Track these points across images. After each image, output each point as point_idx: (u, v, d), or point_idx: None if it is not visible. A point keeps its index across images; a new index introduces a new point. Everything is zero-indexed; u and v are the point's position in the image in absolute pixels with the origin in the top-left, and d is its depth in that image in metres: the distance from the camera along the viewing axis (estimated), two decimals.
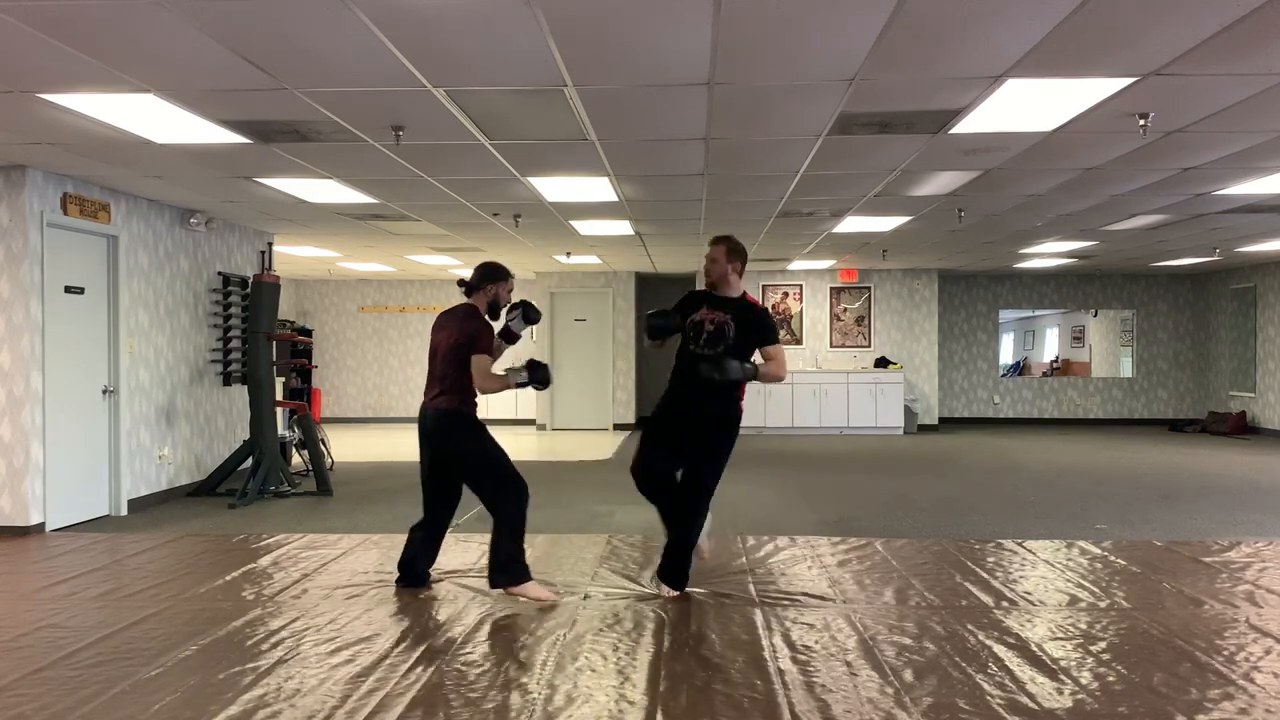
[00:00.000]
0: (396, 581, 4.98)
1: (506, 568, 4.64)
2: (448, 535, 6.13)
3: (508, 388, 4.64)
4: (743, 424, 4.72)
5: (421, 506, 4.93)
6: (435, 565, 5.37)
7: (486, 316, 4.75)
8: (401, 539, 6.04)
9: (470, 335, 4.58)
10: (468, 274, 5.19)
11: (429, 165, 6.32)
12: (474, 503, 4.82)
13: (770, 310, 4.77)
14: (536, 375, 4.67)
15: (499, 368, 4.73)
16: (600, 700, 3.34)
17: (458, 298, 4.91)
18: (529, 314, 4.87)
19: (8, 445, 6.31)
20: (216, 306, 8.65)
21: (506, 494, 4.64)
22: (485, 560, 5.45)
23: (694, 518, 4.72)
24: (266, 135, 5.42)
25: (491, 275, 4.76)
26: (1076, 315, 18.50)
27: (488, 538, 6.08)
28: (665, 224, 9.15)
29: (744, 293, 4.82)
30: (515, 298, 4.93)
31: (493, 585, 4.70)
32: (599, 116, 5.06)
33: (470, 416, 4.68)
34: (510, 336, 4.91)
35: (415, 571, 4.97)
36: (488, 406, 14.89)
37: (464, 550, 5.75)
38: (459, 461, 4.72)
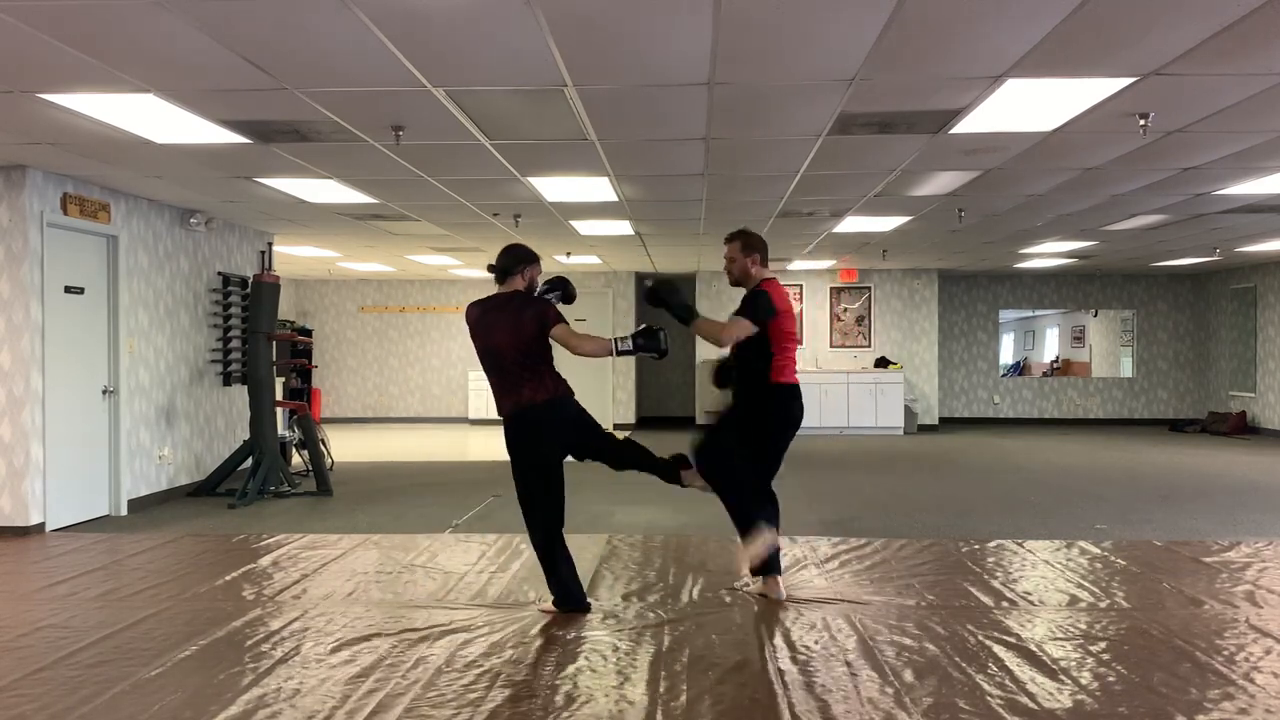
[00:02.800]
0: (565, 607, 4.42)
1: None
2: (447, 534, 6.16)
3: (610, 354, 4.24)
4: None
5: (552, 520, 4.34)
6: (437, 566, 5.38)
7: None
8: (400, 539, 6.06)
9: (539, 315, 4.19)
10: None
11: (429, 165, 6.32)
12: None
13: (768, 294, 4.33)
14: (651, 343, 4.22)
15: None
16: (600, 700, 3.34)
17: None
18: (569, 292, 4.47)
19: (8, 445, 6.31)
20: (216, 306, 8.65)
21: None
22: (484, 559, 5.46)
23: (696, 454, 4.44)
24: (266, 135, 5.42)
25: (526, 258, 4.37)
26: (1076, 315, 18.50)
27: (489, 537, 6.10)
28: (665, 224, 9.15)
29: (768, 280, 4.53)
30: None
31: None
32: (599, 116, 5.06)
33: (559, 398, 4.23)
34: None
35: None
36: (488, 407, 14.91)
37: (464, 550, 5.74)
38: (592, 431, 4.32)
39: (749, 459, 4.49)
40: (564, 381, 4.28)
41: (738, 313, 4.46)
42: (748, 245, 4.60)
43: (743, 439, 4.49)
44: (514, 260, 4.35)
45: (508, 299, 4.29)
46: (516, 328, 4.18)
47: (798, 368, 4.64)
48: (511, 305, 4.26)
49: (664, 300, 4.43)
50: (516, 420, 4.21)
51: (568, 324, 4.22)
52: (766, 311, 4.40)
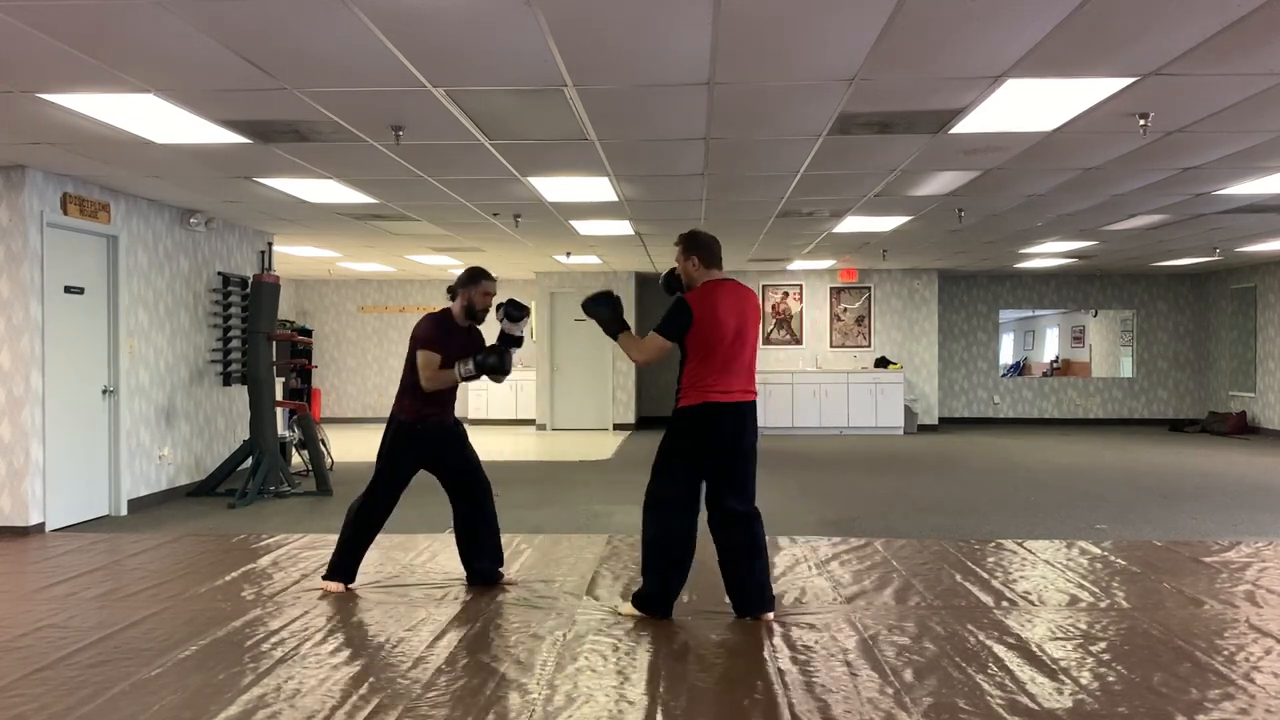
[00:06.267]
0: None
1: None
2: (447, 534, 6.15)
3: (456, 382, 4.65)
4: None
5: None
6: (437, 566, 5.38)
7: (469, 320, 4.76)
8: (400, 539, 6.07)
9: (413, 337, 4.69)
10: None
11: (429, 165, 6.32)
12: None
13: (684, 302, 4.11)
14: (485, 364, 4.59)
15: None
16: (600, 700, 3.34)
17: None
18: (510, 312, 4.68)
19: (8, 445, 6.31)
20: (216, 306, 8.65)
21: (365, 500, 4.85)
22: (484, 561, 5.45)
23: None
24: (266, 135, 5.42)
25: (462, 281, 4.76)
26: (1076, 315, 18.50)
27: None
28: (665, 224, 9.15)
29: (703, 284, 4.25)
30: (503, 297, 4.75)
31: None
32: (599, 116, 5.06)
33: (399, 421, 4.74)
34: (510, 341, 4.70)
35: (475, 571, 4.97)
36: (488, 406, 14.93)
37: None
38: (460, 447, 4.92)
39: (685, 496, 4.22)
40: (408, 406, 4.70)
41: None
42: (687, 246, 4.30)
43: (671, 471, 4.29)
44: (456, 283, 4.78)
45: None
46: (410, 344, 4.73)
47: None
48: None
49: (592, 314, 4.40)
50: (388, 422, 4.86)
51: (433, 354, 4.59)
52: (678, 324, 4.14)
